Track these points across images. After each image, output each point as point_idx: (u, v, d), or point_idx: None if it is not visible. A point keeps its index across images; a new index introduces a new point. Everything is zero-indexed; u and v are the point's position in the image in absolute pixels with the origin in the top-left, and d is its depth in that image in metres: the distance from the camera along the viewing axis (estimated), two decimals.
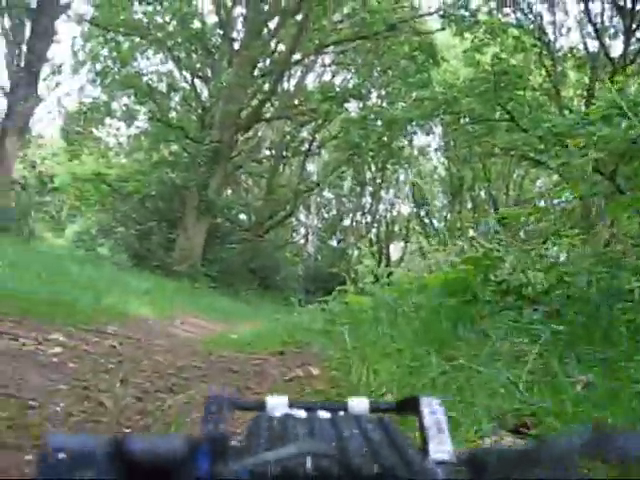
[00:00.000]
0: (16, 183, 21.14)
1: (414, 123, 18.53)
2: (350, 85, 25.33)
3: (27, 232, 19.43)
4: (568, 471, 0.48)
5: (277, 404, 0.80)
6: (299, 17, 21.66)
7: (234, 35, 23.61)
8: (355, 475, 0.52)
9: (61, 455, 0.46)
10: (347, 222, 35.17)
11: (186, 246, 19.55)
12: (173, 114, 27.08)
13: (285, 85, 25.51)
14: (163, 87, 26.87)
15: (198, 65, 25.66)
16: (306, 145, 28.22)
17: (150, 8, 24.59)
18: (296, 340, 6.78)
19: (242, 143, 24.09)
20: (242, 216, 27.48)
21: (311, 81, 27.93)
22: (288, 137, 27.92)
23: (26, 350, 4.62)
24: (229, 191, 27.36)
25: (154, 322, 8.84)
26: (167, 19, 24.59)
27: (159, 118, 25.04)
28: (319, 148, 29.08)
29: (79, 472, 0.45)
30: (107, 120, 27.40)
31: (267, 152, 28.73)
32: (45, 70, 21.07)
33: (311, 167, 32.19)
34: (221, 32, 24.13)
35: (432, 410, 0.73)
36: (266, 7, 22.09)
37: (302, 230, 35.90)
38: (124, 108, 27.06)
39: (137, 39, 25.11)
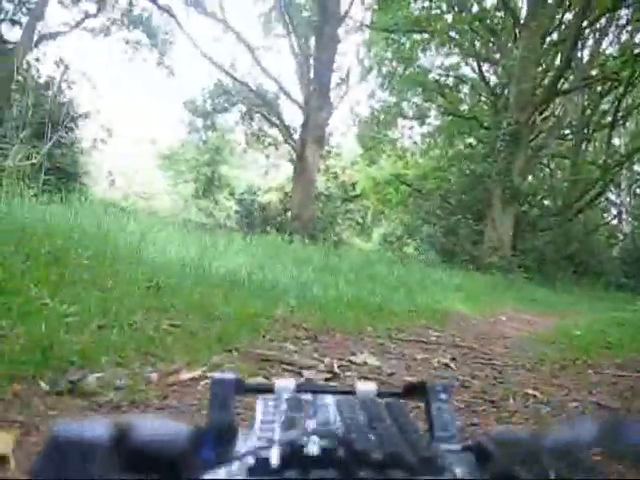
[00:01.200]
0: (321, 195, 22.03)
1: None
2: None
3: (334, 239, 19.97)
4: (577, 461, 0.48)
5: (285, 387, 0.75)
6: None
7: (516, 13, 22.36)
8: (360, 459, 0.50)
9: (64, 441, 0.46)
10: None
11: (494, 237, 18.70)
12: (464, 106, 26.48)
13: (579, 54, 23.54)
14: (450, 81, 26.49)
15: (483, 51, 24.81)
16: (609, 117, 25.80)
17: (427, 3, 24.34)
18: None
19: (541, 123, 22.68)
20: (546, 201, 25.97)
21: (606, 46, 25.55)
22: (588, 111, 25.81)
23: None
24: (530, 177, 26.03)
25: (477, 321, 8.13)
26: (444, 8, 24.14)
27: (450, 112, 24.64)
28: (624, 118, 26.47)
29: (82, 458, 0.45)
30: (399, 121, 27.60)
31: (567, 131, 26.89)
32: (334, 80, 21.74)
33: (617, 140, 29.58)
34: (502, 12, 23.05)
35: (439, 397, 0.71)
36: None
37: (613, 210, 33.21)
38: (414, 107, 27.07)
39: (417, 36, 24.94)
